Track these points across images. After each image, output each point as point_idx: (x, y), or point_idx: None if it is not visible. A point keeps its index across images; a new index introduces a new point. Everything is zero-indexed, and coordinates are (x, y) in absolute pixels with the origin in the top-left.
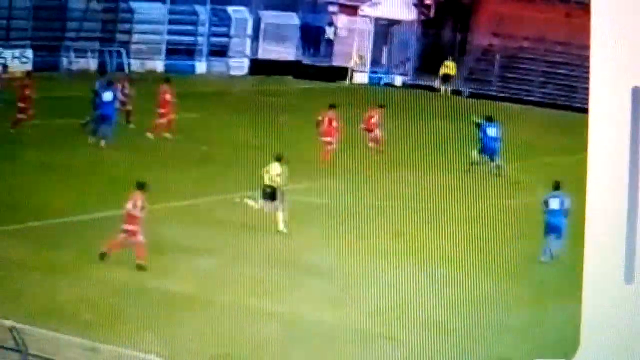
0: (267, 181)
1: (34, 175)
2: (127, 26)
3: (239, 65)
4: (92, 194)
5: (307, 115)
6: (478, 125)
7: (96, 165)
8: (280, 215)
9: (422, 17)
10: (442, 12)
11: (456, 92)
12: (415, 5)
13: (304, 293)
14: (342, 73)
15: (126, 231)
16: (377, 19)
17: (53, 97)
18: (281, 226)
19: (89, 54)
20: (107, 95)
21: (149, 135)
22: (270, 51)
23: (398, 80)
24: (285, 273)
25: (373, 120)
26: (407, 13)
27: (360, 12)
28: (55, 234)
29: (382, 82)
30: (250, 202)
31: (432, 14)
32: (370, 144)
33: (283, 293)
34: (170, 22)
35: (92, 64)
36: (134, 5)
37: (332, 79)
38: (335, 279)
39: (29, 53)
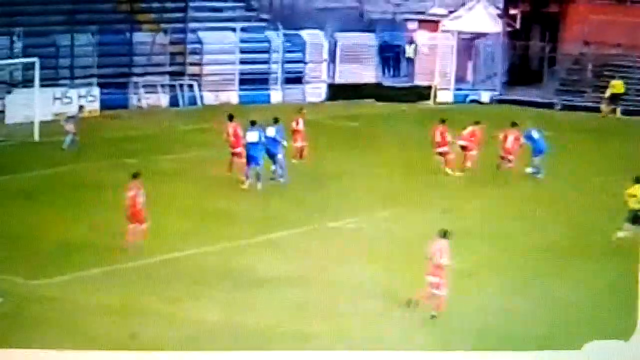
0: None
1: None
2: (197, 58)
3: (316, 92)
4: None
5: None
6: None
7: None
8: None
9: (508, 29)
10: (529, 23)
11: (548, 105)
12: (500, 16)
13: None
14: (425, 92)
15: (433, 285)
16: (460, 33)
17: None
18: None
19: (159, 89)
20: (251, 136)
21: (450, 171)
22: (349, 75)
23: (485, 97)
24: None
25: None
26: (491, 25)
27: (441, 27)
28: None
29: (467, 100)
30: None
31: (518, 24)
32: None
33: None
34: (242, 51)
35: (163, 99)
36: (203, 35)
37: (415, 99)
38: None
39: (96, 91)
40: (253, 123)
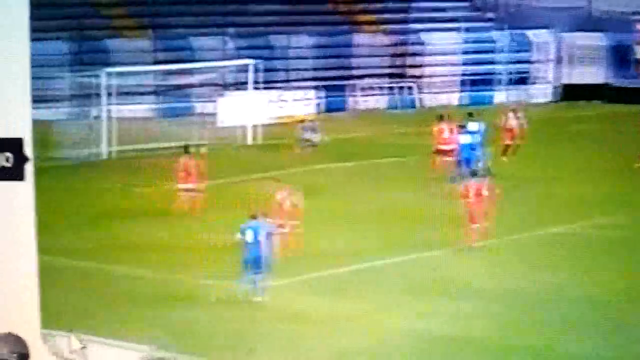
0: None
1: None
2: (418, 59)
3: (541, 92)
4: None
5: None
6: None
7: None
8: None
9: None
10: None
11: None
12: None
13: None
14: None
15: None
16: None
17: None
18: None
19: (378, 91)
20: (464, 138)
21: None
22: (576, 75)
23: None
24: None
25: None
26: None
27: None
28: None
29: None
30: None
31: None
32: None
33: None
34: (465, 51)
35: (381, 102)
36: (424, 36)
37: None
38: None
39: (312, 94)
40: (462, 127)
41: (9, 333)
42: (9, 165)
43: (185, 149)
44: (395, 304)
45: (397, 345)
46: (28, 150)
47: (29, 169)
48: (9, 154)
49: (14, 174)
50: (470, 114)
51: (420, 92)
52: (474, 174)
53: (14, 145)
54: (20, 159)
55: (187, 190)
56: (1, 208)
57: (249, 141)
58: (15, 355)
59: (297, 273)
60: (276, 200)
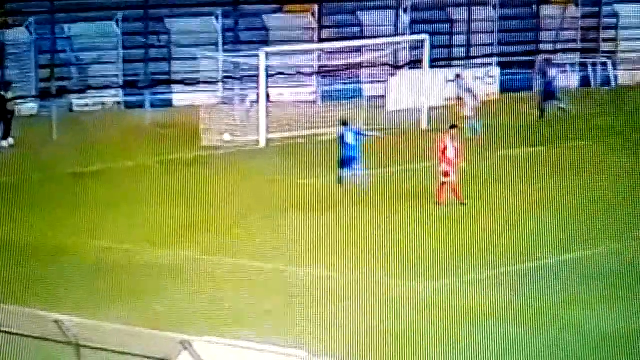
0: None
1: None
2: (612, 33)
3: None
4: None
5: None
6: None
7: None
8: None
9: None
10: None
11: None
12: None
13: None
14: None
15: None
16: None
17: None
18: None
19: (568, 67)
20: None
21: None
22: None
23: None
24: None
25: None
26: None
27: None
28: None
29: None
30: None
31: None
32: None
33: None
34: None
35: (572, 79)
36: (618, 8)
37: None
38: None
39: (495, 72)
40: None
41: None
42: None
43: (452, 125)
44: None
45: None
46: None
47: None
48: None
49: None
50: None
51: (615, 69)
52: None
53: None
54: None
55: (446, 174)
56: None
57: (424, 125)
58: None
59: None
60: None
